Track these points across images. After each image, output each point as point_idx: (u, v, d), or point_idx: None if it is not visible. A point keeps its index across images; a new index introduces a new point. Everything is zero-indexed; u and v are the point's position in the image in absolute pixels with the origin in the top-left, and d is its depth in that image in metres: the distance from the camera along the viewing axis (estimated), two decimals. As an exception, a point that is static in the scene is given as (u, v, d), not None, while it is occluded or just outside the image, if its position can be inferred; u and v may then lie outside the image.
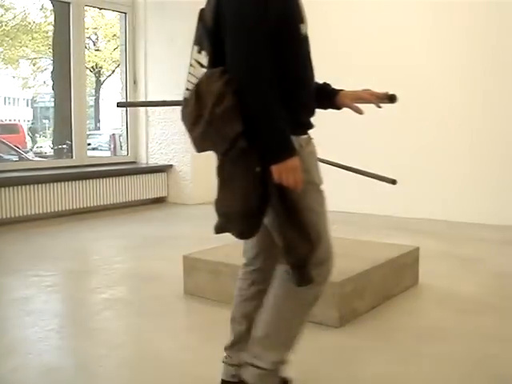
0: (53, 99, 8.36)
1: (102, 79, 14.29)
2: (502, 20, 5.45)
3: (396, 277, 3.31)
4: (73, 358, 2.51)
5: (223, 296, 3.14)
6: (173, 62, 6.96)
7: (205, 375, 2.28)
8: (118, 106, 3.15)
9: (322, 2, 6.37)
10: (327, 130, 6.03)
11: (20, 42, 9.86)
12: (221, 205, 1.79)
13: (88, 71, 12.07)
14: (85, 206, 6.18)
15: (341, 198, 6.31)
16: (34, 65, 11.40)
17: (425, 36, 5.85)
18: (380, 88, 2.23)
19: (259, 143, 1.70)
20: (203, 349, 2.55)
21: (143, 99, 7.18)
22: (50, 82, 9.96)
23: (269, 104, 1.69)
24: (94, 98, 12.77)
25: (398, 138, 5.97)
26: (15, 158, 8.19)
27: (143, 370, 2.32)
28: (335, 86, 2.23)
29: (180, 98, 1.87)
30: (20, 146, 8.91)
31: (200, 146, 1.78)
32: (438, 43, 5.77)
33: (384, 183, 3.01)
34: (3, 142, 8.46)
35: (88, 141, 7.29)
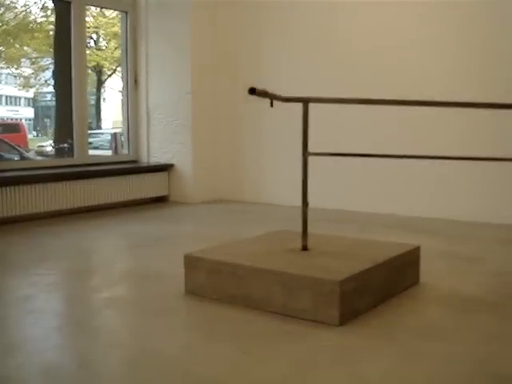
0: (54, 98, 8.36)
1: (103, 78, 14.30)
2: (502, 19, 5.45)
3: (397, 276, 3.31)
4: (73, 357, 2.52)
5: (224, 295, 3.15)
6: (174, 62, 6.97)
7: (205, 374, 2.28)
8: (250, 93, 3.04)
9: (319, 2, 6.38)
10: (335, 128, 6.04)
11: (21, 41, 9.86)
12: None
13: (89, 70, 12.07)
14: (86, 204, 6.19)
15: (341, 197, 6.33)
16: (35, 64, 11.40)
17: (422, 36, 5.85)
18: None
19: None
20: (204, 347, 2.56)
21: (144, 98, 7.19)
22: (52, 81, 9.96)
23: None
24: (95, 97, 12.77)
25: (398, 136, 5.96)
26: (16, 158, 8.20)
27: (144, 369, 2.33)
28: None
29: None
30: (21, 145, 8.92)
31: None
32: (435, 43, 5.77)
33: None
34: (4, 142, 8.47)
35: (89, 140, 7.29)
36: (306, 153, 3.48)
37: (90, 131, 7.48)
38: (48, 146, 9.57)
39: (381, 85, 5.78)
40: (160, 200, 7.11)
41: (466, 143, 5.67)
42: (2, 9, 8.14)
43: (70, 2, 6.47)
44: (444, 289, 3.44)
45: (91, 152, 7.41)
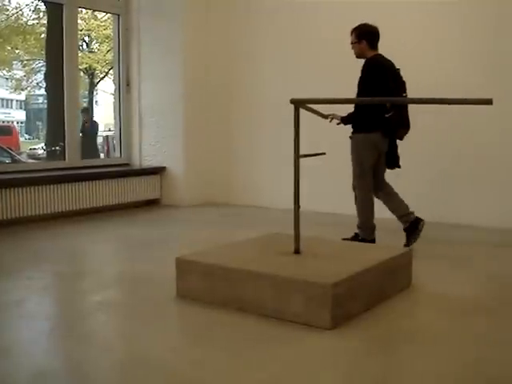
0: (46, 101, 8.35)
1: (95, 81, 14.28)
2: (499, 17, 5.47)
3: (389, 279, 3.31)
4: (64, 361, 2.50)
5: (216, 298, 3.13)
6: (166, 64, 6.96)
7: (196, 378, 2.27)
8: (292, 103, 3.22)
9: (313, 3, 6.39)
10: (330, 131, 6.05)
11: (13, 44, 9.84)
12: None
13: (81, 73, 12.05)
14: (78, 208, 6.15)
15: (336, 200, 6.32)
16: (27, 66, 11.37)
17: (422, 35, 5.86)
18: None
19: None
20: (194, 351, 2.55)
21: (136, 102, 7.16)
22: (44, 84, 9.94)
23: None
24: (87, 99, 12.75)
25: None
26: (8, 160, 8.17)
27: (134, 373, 2.31)
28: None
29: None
30: (13, 148, 8.90)
31: None
32: (435, 43, 5.79)
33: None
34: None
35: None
36: (297, 155, 3.48)
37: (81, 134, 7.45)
38: (40, 148, 9.54)
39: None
40: (152, 203, 7.09)
41: (465, 147, 5.70)
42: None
43: (62, 5, 6.45)
44: (436, 292, 3.45)
45: (83, 155, 7.37)
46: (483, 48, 5.53)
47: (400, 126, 4.50)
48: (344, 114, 4.57)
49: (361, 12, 6.11)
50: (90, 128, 8.59)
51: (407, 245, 4.47)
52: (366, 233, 4.58)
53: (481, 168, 5.60)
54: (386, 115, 4.42)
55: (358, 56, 4.61)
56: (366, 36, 4.54)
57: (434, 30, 5.78)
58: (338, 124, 4.71)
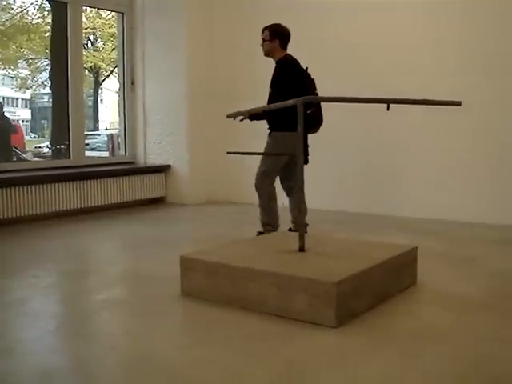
0: (51, 99, 8.35)
1: (100, 79, 14.28)
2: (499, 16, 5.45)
3: (394, 277, 3.30)
4: (69, 359, 2.50)
5: (220, 297, 3.13)
6: (170, 63, 6.96)
7: (199, 376, 2.27)
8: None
9: (318, 2, 6.38)
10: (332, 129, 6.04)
11: (16, 43, 9.85)
12: None
13: (86, 71, 12.07)
14: (82, 206, 6.16)
15: (340, 198, 6.32)
16: (31, 65, 11.38)
17: (421, 36, 5.84)
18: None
19: None
20: (198, 350, 2.54)
21: (141, 100, 7.16)
22: (48, 83, 9.95)
23: None
24: (92, 98, 12.76)
25: (397, 137, 5.96)
26: (13, 159, 8.18)
27: (139, 372, 2.31)
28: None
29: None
30: (18, 147, 8.90)
31: None
32: (435, 43, 5.77)
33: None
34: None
35: (86, 141, 7.27)
36: (300, 154, 3.47)
37: (86, 132, 7.46)
38: (45, 147, 9.55)
39: (378, 85, 5.77)
40: (157, 201, 7.09)
41: (467, 144, 5.68)
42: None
43: (66, 3, 6.45)
44: (441, 289, 3.44)
45: (88, 153, 7.39)
46: (483, 48, 5.50)
47: (318, 122, 4.62)
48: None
49: (364, 12, 6.11)
50: (1, 124, 8.13)
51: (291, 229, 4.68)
52: (271, 222, 4.66)
53: (483, 166, 5.58)
54: (308, 111, 4.37)
55: (267, 54, 4.72)
56: (279, 36, 4.65)
57: (434, 30, 5.76)
58: (241, 120, 4.69)
